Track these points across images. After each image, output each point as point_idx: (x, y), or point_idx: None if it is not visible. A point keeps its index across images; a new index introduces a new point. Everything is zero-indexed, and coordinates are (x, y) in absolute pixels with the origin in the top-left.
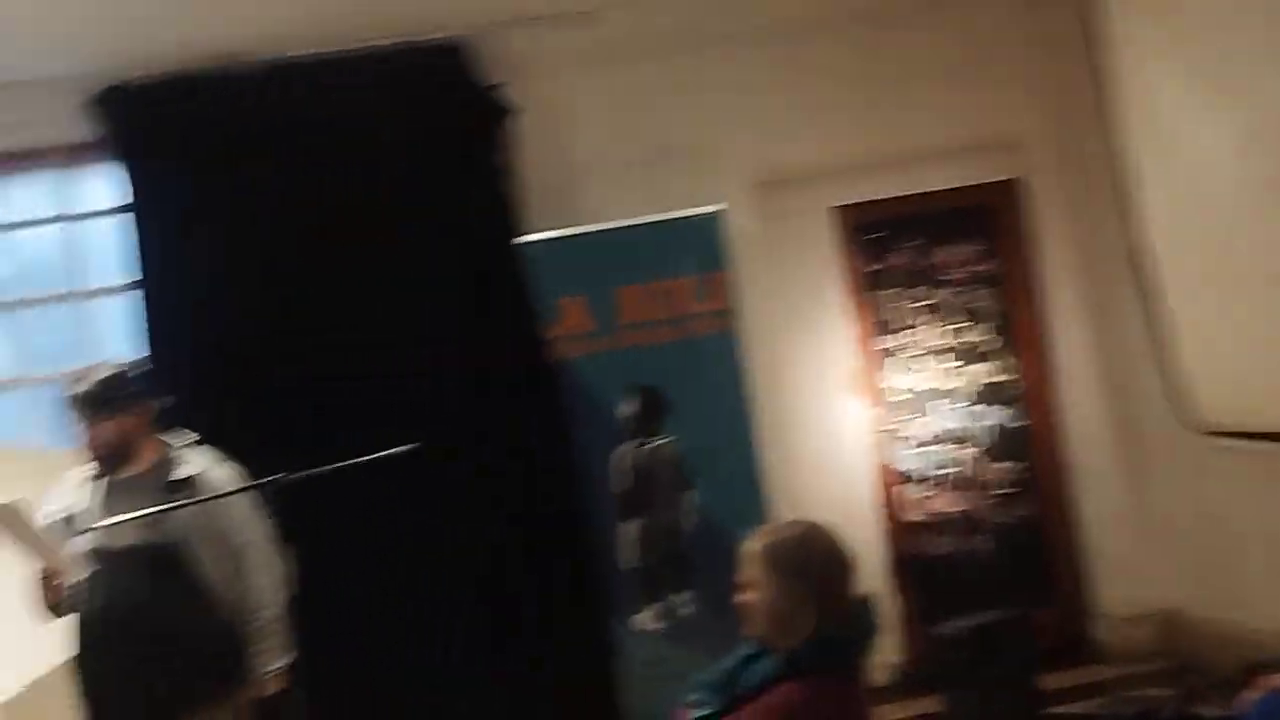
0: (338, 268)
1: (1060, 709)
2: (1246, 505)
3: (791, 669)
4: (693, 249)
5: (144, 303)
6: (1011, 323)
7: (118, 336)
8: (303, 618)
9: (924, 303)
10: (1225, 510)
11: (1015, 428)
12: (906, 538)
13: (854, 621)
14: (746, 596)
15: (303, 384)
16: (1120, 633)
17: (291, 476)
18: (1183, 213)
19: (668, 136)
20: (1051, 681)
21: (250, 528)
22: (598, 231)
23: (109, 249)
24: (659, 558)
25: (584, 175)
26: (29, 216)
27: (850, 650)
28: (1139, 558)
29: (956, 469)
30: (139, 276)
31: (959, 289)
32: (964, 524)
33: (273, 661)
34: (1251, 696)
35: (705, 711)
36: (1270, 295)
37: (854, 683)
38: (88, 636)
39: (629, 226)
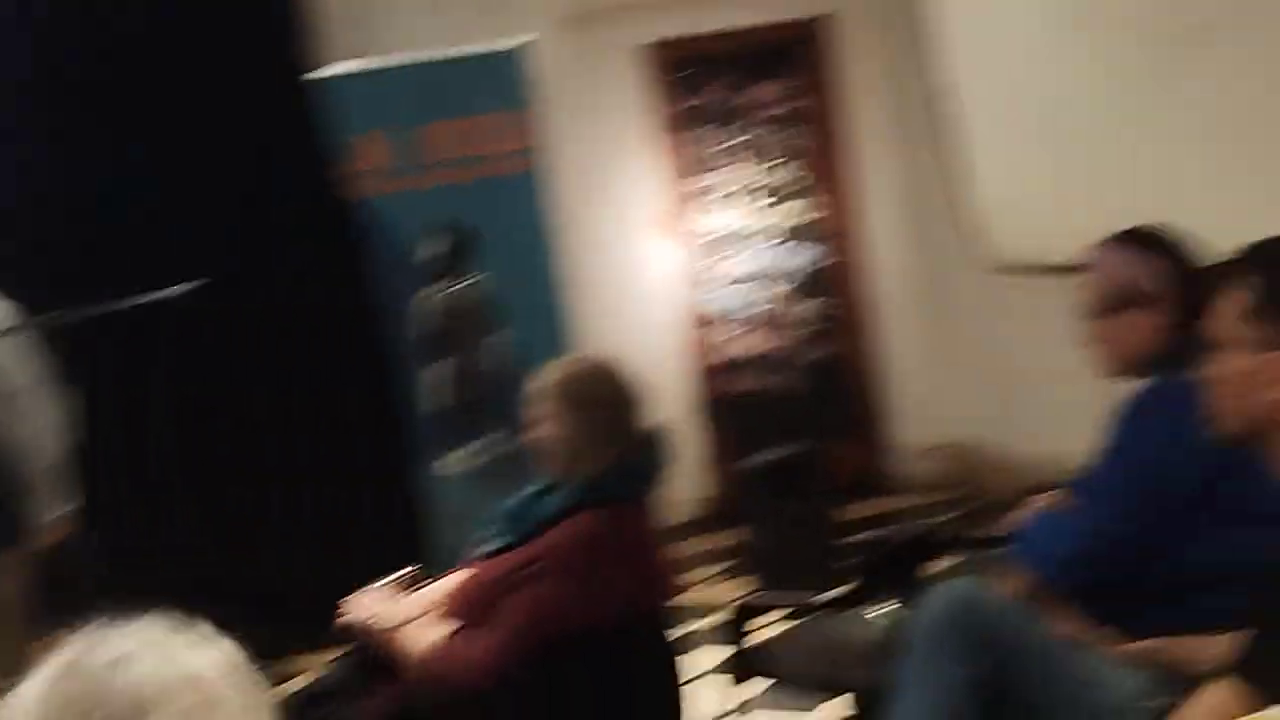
0: (116, 103)
1: (854, 538)
2: (1034, 340)
3: (586, 498)
4: (496, 85)
5: None
6: (819, 161)
7: None
8: (90, 464)
9: (733, 141)
10: (1015, 345)
11: (822, 266)
12: (716, 377)
13: (646, 452)
14: (538, 432)
15: (80, 223)
16: (915, 465)
17: (67, 315)
18: (984, 49)
19: None
20: (849, 513)
21: (21, 370)
22: (398, 66)
23: None
24: (466, 401)
25: (382, 6)
26: None
27: (643, 479)
28: (936, 392)
29: (765, 308)
30: None
31: (768, 127)
32: (772, 362)
33: (52, 510)
34: (1019, 517)
35: (500, 543)
36: (1066, 132)
37: (644, 512)
38: None
39: (430, 61)
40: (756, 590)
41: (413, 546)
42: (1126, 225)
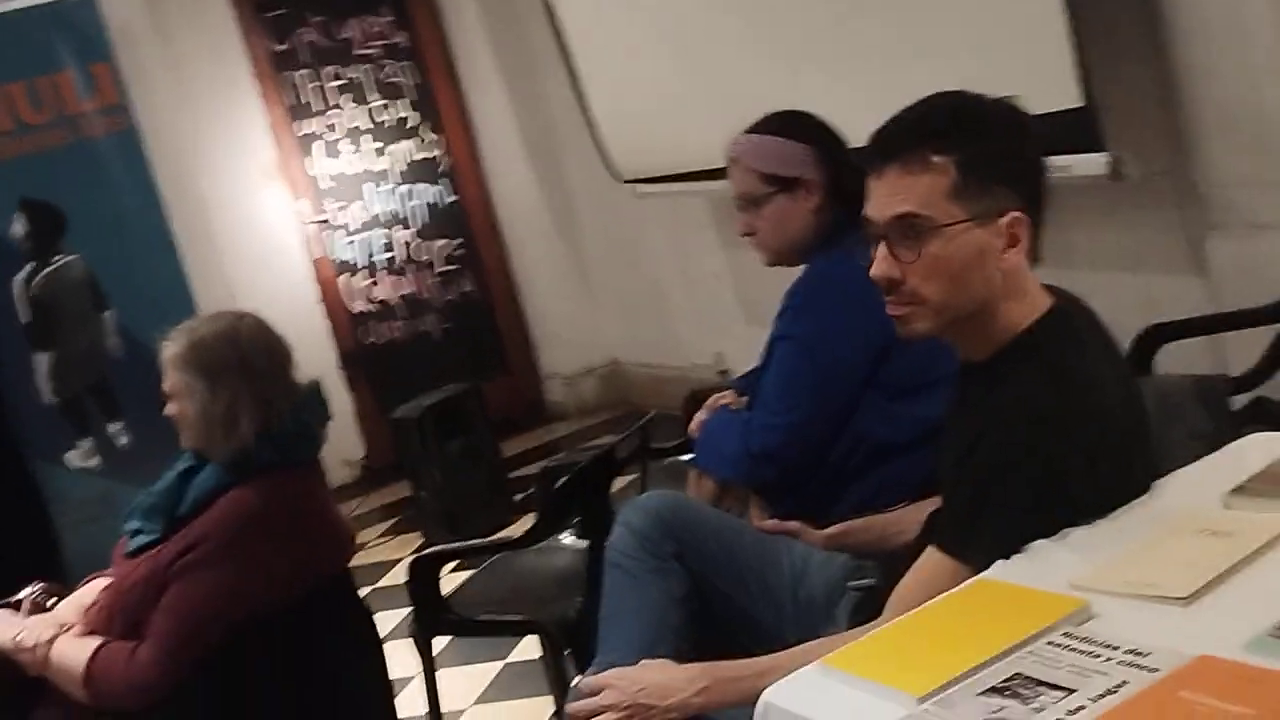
0: None
1: (522, 471)
2: (666, 250)
3: (237, 474)
4: (67, 39)
5: None
6: (431, 96)
7: None
8: None
9: (339, 81)
10: (649, 258)
11: (448, 204)
12: (354, 329)
13: (297, 412)
14: (175, 407)
15: None
16: (569, 391)
17: None
18: None
19: None
20: (512, 447)
21: None
22: None
23: None
24: (83, 388)
25: None
26: None
27: (299, 442)
28: (579, 316)
29: (395, 253)
30: None
31: (374, 65)
32: (410, 307)
33: None
34: (702, 417)
35: (146, 539)
36: (665, 53)
37: (309, 475)
38: None
39: None
40: (428, 542)
41: (45, 551)
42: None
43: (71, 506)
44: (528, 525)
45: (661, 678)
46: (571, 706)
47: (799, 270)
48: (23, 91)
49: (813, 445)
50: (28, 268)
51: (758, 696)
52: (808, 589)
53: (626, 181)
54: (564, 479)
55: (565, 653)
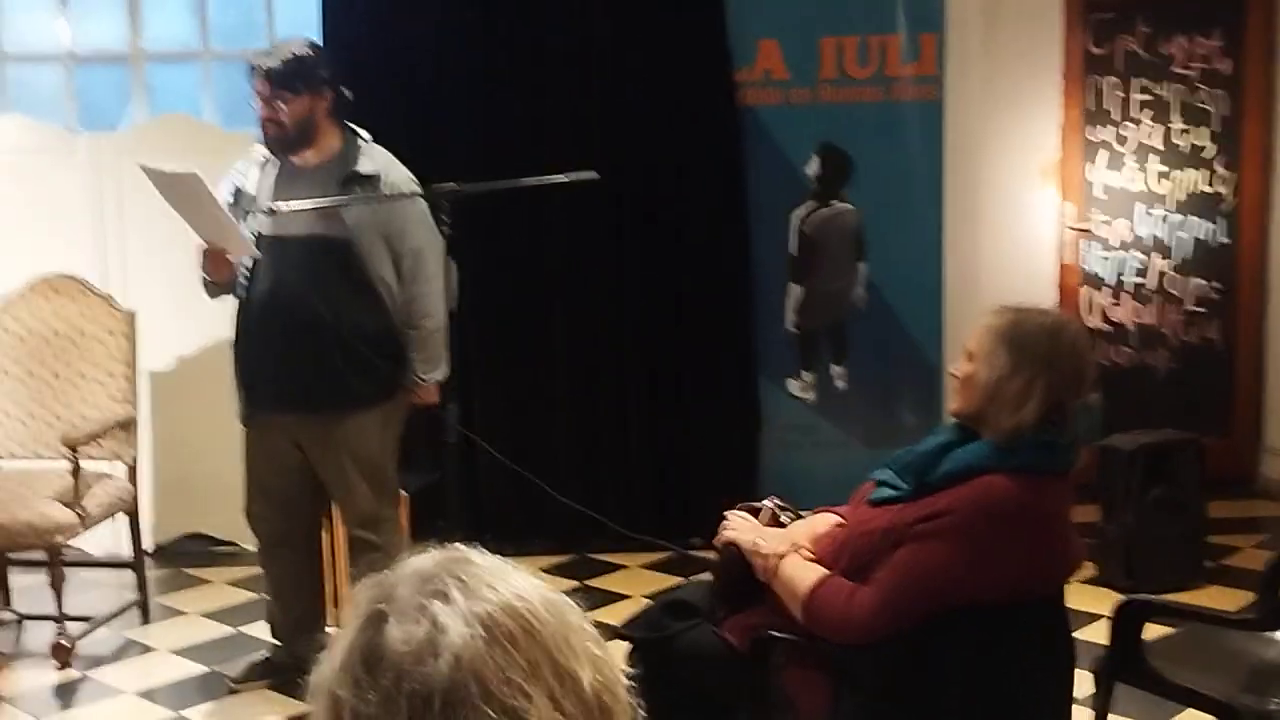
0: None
1: (1217, 539)
2: None
3: (996, 461)
4: (907, 5)
5: None
6: (1237, 130)
7: (299, 21)
8: (460, 334)
9: (1145, 96)
10: None
11: (1219, 245)
12: None
13: (1078, 423)
14: (970, 368)
15: (480, 103)
16: None
17: (470, 188)
18: None
19: None
20: (1214, 510)
21: (424, 234)
22: None
23: None
24: (821, 326)
25: None
26: None
27: (1064, 453)
28: None
29: (1147, 280)
30: None
31: (1187, 86)
32: (1144, 337)
33: (431, 372)
34: None
35: (891, 494)
36: None
37: (1061, 486)
38: (249, 321)
39: None
40: (1101, 576)
41: (746, 460)
42: None
43: (777, 427)
44: (1223, 596)
45: None
46: None
47: None
48: (854, 45)
49: None
50: (807, 205)
51: None
52: None
53: None
54: None
55: None
